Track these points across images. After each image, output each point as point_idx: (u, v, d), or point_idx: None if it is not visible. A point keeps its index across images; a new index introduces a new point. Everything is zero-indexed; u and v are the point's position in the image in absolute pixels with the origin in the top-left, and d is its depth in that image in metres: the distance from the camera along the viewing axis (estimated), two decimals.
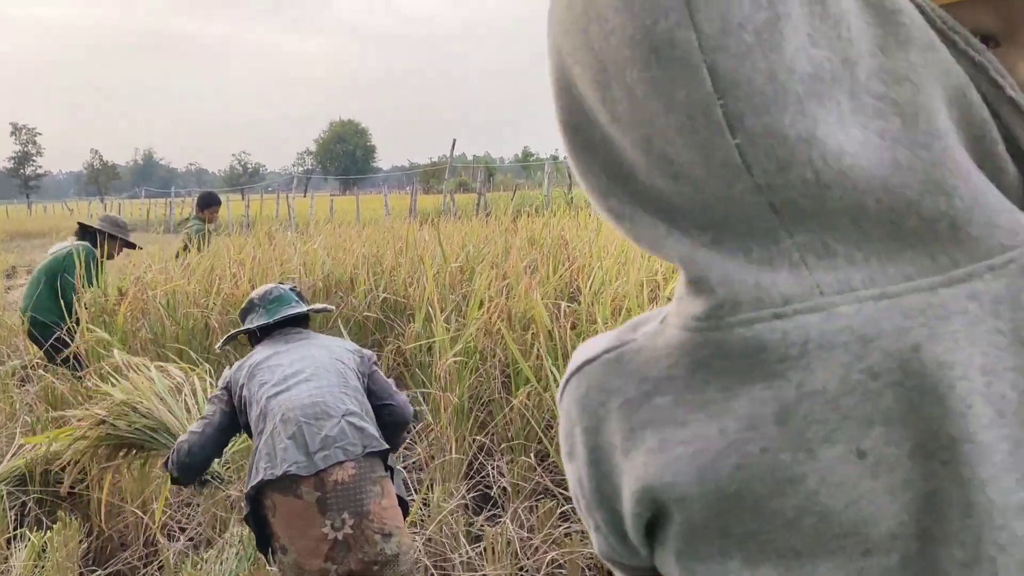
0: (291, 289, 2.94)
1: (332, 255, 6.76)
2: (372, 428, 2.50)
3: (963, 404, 0.45)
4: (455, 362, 4.11)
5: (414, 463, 4.20)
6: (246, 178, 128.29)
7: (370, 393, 2.66)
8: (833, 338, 0.47)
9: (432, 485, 3.75)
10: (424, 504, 3.63)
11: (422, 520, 3.53)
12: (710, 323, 0.49)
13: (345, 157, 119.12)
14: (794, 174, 0.46)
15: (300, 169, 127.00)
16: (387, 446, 2.50)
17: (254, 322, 2.83)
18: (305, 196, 36.80)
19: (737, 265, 0.49)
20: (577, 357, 0.59)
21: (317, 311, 3.13)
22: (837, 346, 0.47)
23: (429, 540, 3.41)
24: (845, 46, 0.47)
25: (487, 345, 4.41)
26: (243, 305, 2.96)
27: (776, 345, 0.47)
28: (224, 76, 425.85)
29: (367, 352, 2.80)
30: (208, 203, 7.38)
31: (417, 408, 4.01)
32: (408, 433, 3.99)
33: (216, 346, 3.40)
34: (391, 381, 2.81)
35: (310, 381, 2.51)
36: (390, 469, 2.52)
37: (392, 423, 2.70)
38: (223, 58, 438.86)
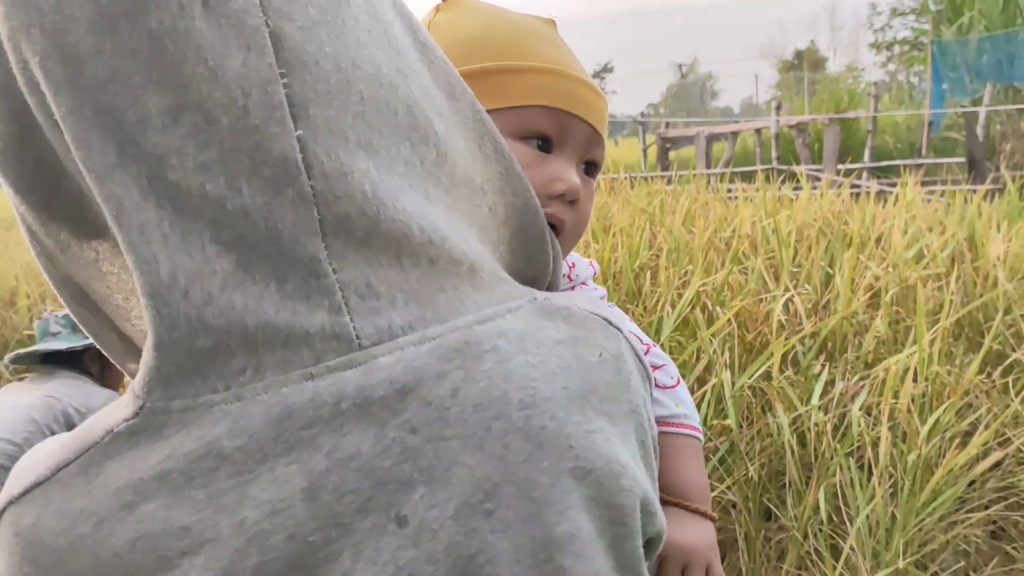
0: (62, 316, 2.37)
1: None
2: None
3: (500, 446, 0.45)
4: None
5: None
6: None
7: None
8: (371, 394, 0.43)
9: None
10: None
11: None
12: (227, 394, 0.41)
13: None
14: (353, 185, 0.42)
15: None
16: None
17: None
18: None
19: (271, 307, 0.42)
20: (18, 480, 0.44)
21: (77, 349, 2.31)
22: (374, 402, 0.43)
23: None
24: (395, 56, 0.45)
25: None
26: None
27: (303, 409, 0.41)
28: None
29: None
30: None
31: None
32: None
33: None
34: None
35: None
36: None
37: None
38: None
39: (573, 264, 0.83)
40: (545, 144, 0.69)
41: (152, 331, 0.41)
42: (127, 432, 0.42)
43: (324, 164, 0.41)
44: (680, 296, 2.73)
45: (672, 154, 14.71)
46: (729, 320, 2.51)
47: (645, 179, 6.25)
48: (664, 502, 0.68)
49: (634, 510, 0.49)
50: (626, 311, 2.77)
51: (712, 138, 13.99)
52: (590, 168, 0.74)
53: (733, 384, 2.33)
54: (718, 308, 2.66)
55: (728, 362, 2.40)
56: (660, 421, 0.77)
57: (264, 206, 0.40)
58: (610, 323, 0.55)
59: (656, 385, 0.80)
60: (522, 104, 0.67)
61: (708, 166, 12.35)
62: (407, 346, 0.44)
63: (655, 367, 0.82)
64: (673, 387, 0.81)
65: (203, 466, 0.40)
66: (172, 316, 0.40)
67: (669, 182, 5.86)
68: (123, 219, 0.40)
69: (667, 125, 16.38)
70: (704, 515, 0.74)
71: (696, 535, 0.72)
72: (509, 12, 0.73)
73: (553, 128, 0.68)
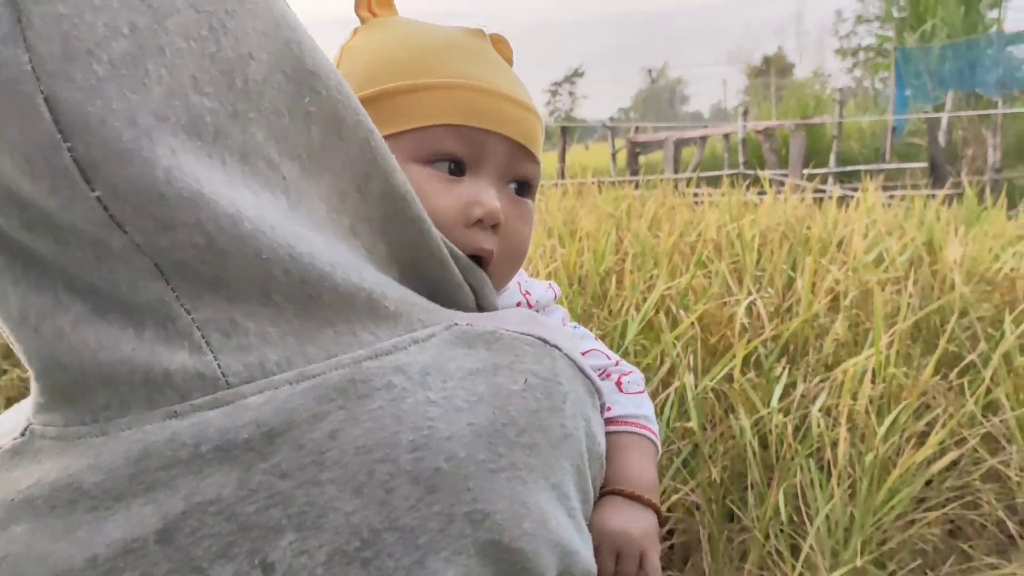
0: None
1: None
2: None
3: (383, 491, 0.43)
4: None
5: None
6: None
7: None
8: (234, 436, 0.41)
9: None
10: None
11: None
12: (93, 427, 0.41)
13: None
14: (180, 237, 0.40)
15: None
16: None
17: None
18: None
19: (127, 346, 0.41)
20: None
21: None
22: (238, 445, 0.41)
23: None
24: (238, 98, 0.42)
25: None
26: None
27: (162, 450, 0.40)
28: None
29: None
30: None
31: None
32: None
33: None
34: None
35: None
36: None
37: None
38: None
39: (528, 291, 0.78)
40: (456, 167, 0.64)
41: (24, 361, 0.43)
42: (11, 451, 0.44)
43: (137, 221, 0.39)
44: (645, 300, 2.75)
45: (642, 159, 14.79)
46: (692, 323, 2.53)
47: (614, 184, 6.28)
48: (604, 492, 0.68)
49: (538, 554, 0.48)
50: (591, 316, 2.79)
51: (681, 143, 14.09)
52: (522, 188, 0.69)
53: (696, 387, 2.35)
54: (682, 312, 2.69)
55: (691, 365, 2.42)
56: (618, 419, 0.75)
57: (96, 261, 0.40)
58: (546, 342, 0.53)
59: (621, 390, 0.78)
60: (423, 125, 0.63)
61: (676, 171, 12.43)
62: (281, 384, 0.42)
63: (623, 374, 0.80)
64: (639, 393, 0.80)
65: (64, 497, 0.40)
66: (27, 351, 0.42)
67: (637, 187, 5.90)
68: None
69: (636, 130, 16.49)
70: (646, 503, 0.71)
71: (629, 522, 0.68)
72: (426, 28, 0.69)
73: (464, 148, 0.64)
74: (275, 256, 0.42)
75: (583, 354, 0.79)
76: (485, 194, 0.64)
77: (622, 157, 15.34)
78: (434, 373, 0.46)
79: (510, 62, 0.72)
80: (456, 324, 0.50)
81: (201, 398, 0.41)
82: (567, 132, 15.44)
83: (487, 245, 0.64)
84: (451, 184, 0.64)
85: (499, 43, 0.72)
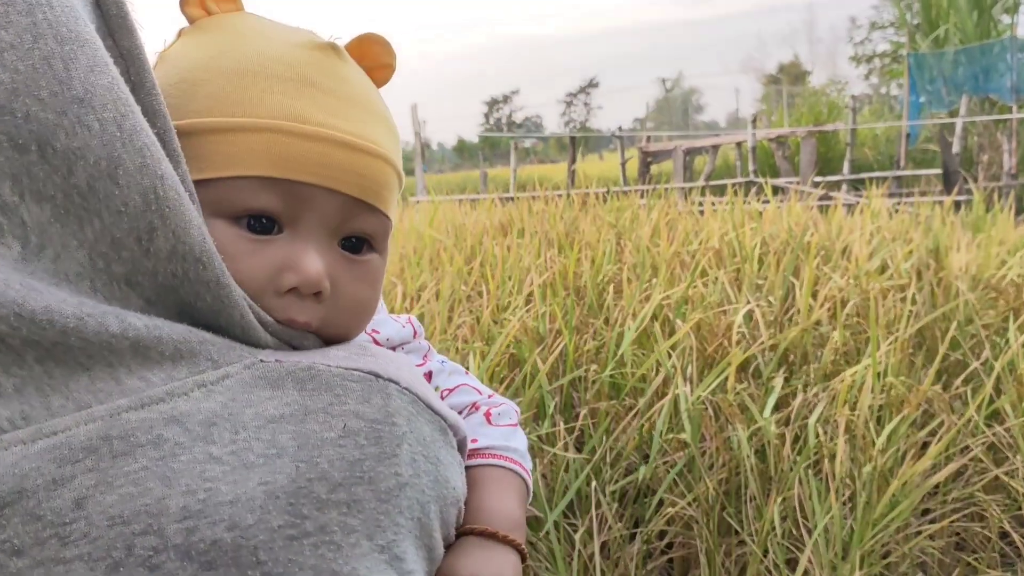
0: None
1: None
2: None
3: (144, 569, 0.36)
4: None
5: None
6: None
7: None
8: None
9: None
10: None
11: None
12: None
13: None
14: None
15: None
16: None
17: None
18: None
19: None
20: None
21: None
22: None
23: None
24: None
25: None
26: None
27: None
28: None
29: None
30: None
31: None
32: None
33: None
34: None
35: None
36: None
37: None
38: None
39: (376, 330, 0.70)
40: (267, 224, 0.54)
41: None
42: None
43: None
44: (642, 309, 2.72)
45: (654, 168, 14.76)
46: (688, 332, 2.50)
47: (620, 194, 6.26)
48: (459, 532, 0.58)
49: None
50: (587, 325, 2.76)
51: (692, 152, 14.06)
52: (359, 244, 0.59)
53: (691, 397, 2.32)
54: (678, 321, 2.66)
55: (687, 375, 2.39)
56: (483, 452, 0.68)
57: None
58: (378, 377, 0.46)
59: (489, 422, 0.71)
60: (229, 175, 0.52)
61: (686, 180, 12.40)
62: (13, 445, 0.35)
63: (494, 406, 0.73)
64: (510, 426, 0.72)
65: None
66: None
67: (643, 196, 5.88)
68: None
69: (648, 139, 16.46)
70: (506, 542, 0.61)
71: (481, 564, 0.58)
72: (255, 41, 0.57)
73: (278, 203, 0.53)
74: (2, 306, 0.35)
75: (450, 391, 0.73)
76: (303, 257, 0.54)
77: (633, 167, 15.33)
78: (222, 423, 0.39)
79: (389, 69, 0.63)
80: (261, 361, 0.44)
81: None
82: (576, 143, 15.43)
83: (301, 317, 0.53)
84: (260, 245, 0.53)
85: (370, 47, 0.61)
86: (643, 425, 2.31)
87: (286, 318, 0.53)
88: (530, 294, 2.88)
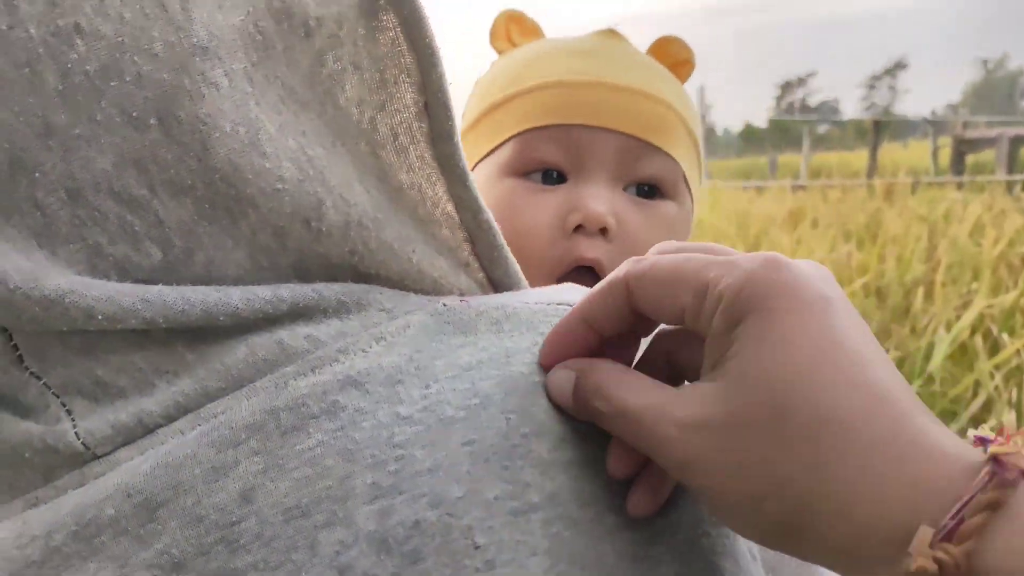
0: None
1: None
2: None
3: (335, 572, 0.28)
4: None
5: None
6: None
7: None
8: (95, 516, 0.29)
9: None
10: None
11: None
12: None
13: None
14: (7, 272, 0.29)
15: None
16: None
17: None
18: None
19: None
20: None
21: None
22: (103, 528, 0.29)
23: None
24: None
25: None
26: None
27: (9, 551, 0.30)
28: None
29: None
30: None
31: None
32: None
33: None
34: None
35: None
36: None
37: None
38: None
39: None
40: (555, 177, 0.59)
41: None
42: None
43: None
44: (958, 319, 2.37)
45: (970, 158, 13.31)
46: (1018, 351, 2.13)
47: (931, 185, 5.64)
48: None
49: None
50: (889, 332, 2.45)
51: (1019, 141, 12.44)
52: (650, 190, 0.61)
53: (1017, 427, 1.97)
54: (1004, 335, 2.27)
55: (1012, 400, 2.03)
56: None
57: None
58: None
59: None
60: (515, 133, 0.58)
61: (1010, 172, 10.99)
62: (170, 437, 0.30)
63: None
64: None
65: None
66: None
67: (959, 188, 5.25)
68: None
69: (964, 126, 14.82)
70: None
71: None
72: (550, 41, 0.65)
73: (560, 151, 0.58)
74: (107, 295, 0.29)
75: None
76: (587, 198, 0.57)
77: (945, 156, 13.92)
78: (408, 379, 0.31)
79: (688, 65, 0.67)
80: (444, 305, 0.35)
81: (66, 476, 0.31)
82: (880, 128, 14.25)
83: (589, 253, 0.57)
84: (547, 194, 0.58)
85: (667, 46, 0.66)
86: None
87: (574, 256, 0.56)
88: None
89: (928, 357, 2.24)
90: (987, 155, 13.65)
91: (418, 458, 0.30)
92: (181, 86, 0.30)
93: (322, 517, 0.29)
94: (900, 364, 2.32)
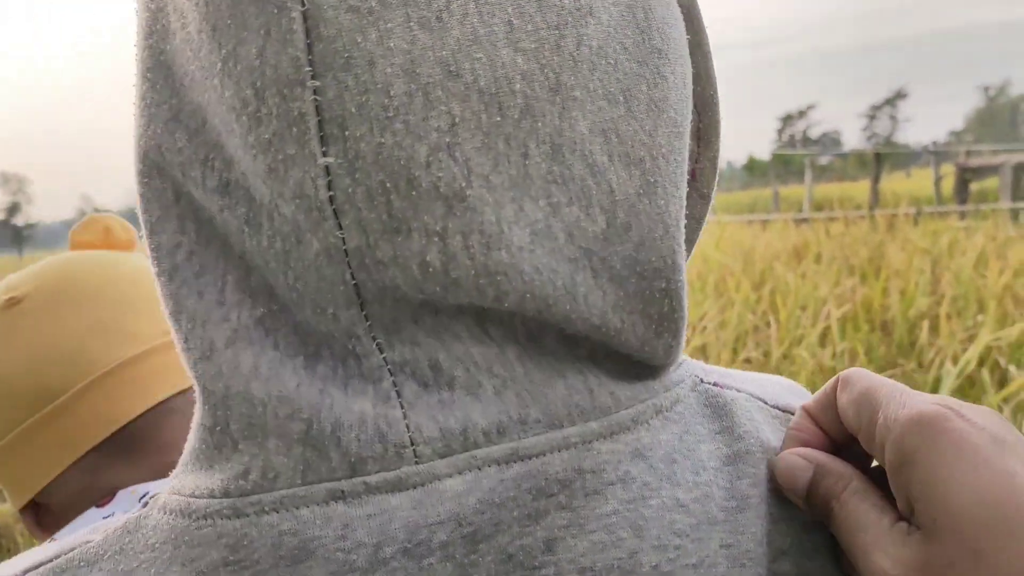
0: None
1: None
2: None
3: None
4: None
5: None
6: None
7: None
8: (428, 538, 0.30)
9: None
10: None
11: None
12: (223, 504, 0.30)
13: None
14: (410, 249, 0.29)
15: None
16: None
17: None
18: None
19: (291, 380, 0.31)
20: None
21: None
22: (432, 551, 0.30)
23: None
24: (565, 65, 0.30)
25: None
26: None
27: (328, 551, 0.29)
28: None
29: None
30: None
31: None
32: None
33: None
34: None
35: None
36: None
37: None
38: None
39: None
40: None
41: None
42: (123, 529, 0.32)
43: (365, 208, 0.28)
44: (965, 351, 2.35)
45: (973, 186, 13.29)
46: None
47: (933, 215, 5.63)
48: None
49: None
50: (895, 366, 2.43)
51: (1022, 167, 12.42)
52: None
53: None
54: (1011, 368, 2.25)
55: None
56: None
57: (284, 254, 0.30)
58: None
59: None
60: None
61: (1015, 199, 10.96)
62: (487, 464, 0.31)
63: None
64: None
65: None
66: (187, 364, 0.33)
67: (962, 217, 5.24)
68: (149, 238, 0.33)
69: (968, 154, 14.82)
70: None
71: None
72: None
73: None
74: (511, 267, 0.30)
75: None
76: None
77: (948, 184, 13.91)
78: (682, 460, 0.33)
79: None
80: (701, 381, 0.36)
81: (378, 474, 0.30)
82: (881, 159, 14.27)
83: None
84: None
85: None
86: None
87: None
88: (826, 328, 2.59)
89: (935, 391, 2.22)
90: (991, 182, 13.64)
91: (689, 551, 0.32)
92: (642, 75, 0.32)
93: None
94: None
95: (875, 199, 11.68)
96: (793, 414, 0.38)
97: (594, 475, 0.31)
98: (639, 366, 0.35)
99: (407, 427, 0.30)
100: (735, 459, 0.34)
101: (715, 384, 0.37)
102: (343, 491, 0.30)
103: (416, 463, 0.30)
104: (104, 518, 0.59)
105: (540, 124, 0.29)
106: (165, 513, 0.31)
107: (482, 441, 0.31)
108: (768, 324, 2.77)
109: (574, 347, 0.33)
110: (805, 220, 6.40)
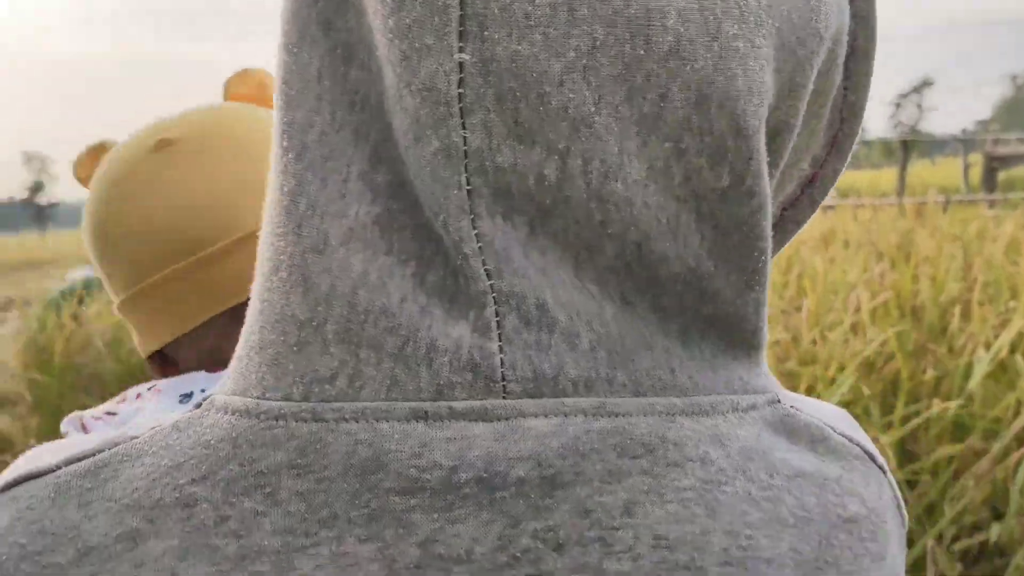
0: None
1: None
2: None
3: None
4: None
5: None
6: None
7: None
8: (506, 471, 0.29)
9: None
10: None
11: None
12: (301, 407, 0.29)
13: None
14: (529, 160, 0.28)
15: None
16: None
17: None
18: None
19: (396, 290, 0.30)
20: (13, 469, 0.34)
21: None
22: (508, 485, 0.29)
23: None
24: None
25: None
26: None
27: (402, 466, 0.29)
28: None
29: None
30: None
31: None
32: None
33: None
34: None
35: None
36: None
37: None
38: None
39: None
40: None
41: None
42: (173, 427, 0.31)
43: (491, 110, 0.27)
44: (997, 337, 2.33)
45: (1001, 174, 13.11)
46: None
47: (962, 203, 5.57)
48: None
49: None
50: (925, 353, 2.42)
51: None
52: None
53: None
54: None
55: None
56: None
57: (405, 148, 0.29)
58: (872, 459, 0.38)
59: None
60: None
61: None
62: (574, 413, 0.30)
63: None
64: None
65: (245, 507, 0.29)
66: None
67: (991, 206, 5.18)
68: (283, 112, 0.32)
69: (995, 142, 14.63)
70: None
71: None
72: None
73: None
74: (637, 207, 0.29)
75: None
76: None
77: (976, 173, 13.73)
78: (757, 458, 0.33)
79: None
80: (779, 401, 0.35)
81: (464, 401, 0.29)
82: (908, 147, 14.10)
83: None
84: None
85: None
86: (998, 475, 1.96)
87: None
88: (856, 311, 2.58)
89: (967, 376, 2.20)
90: (1019, 171, 13.46)
91: (763, 545, 0.32)
92: (795, 52, 0.31)
93: (683, 557, 0.30)
94: (938, 384, 2.29)
95: (902, 187, 11.56)
96: (856, 444, 0.38)
97: (676, 447, 0.31)
98: (724, 353, 0.34)
99: (501, 362, 0.29)
100: (805, 475, 0.34)
101: (793, 407, 0.36)
102: (426, 411, 0.29)
103: (504, 398, 0.29)
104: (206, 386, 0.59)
105: (689, 68, 0.28)
106: (227, 413, 0.30)
107: (571, 391, 0.30)
108: (798, 308, 2.76)
109: (665, 320, 0.32)
110: (831, 207, 6.36)
